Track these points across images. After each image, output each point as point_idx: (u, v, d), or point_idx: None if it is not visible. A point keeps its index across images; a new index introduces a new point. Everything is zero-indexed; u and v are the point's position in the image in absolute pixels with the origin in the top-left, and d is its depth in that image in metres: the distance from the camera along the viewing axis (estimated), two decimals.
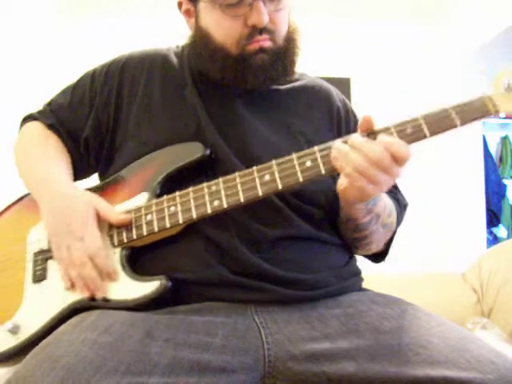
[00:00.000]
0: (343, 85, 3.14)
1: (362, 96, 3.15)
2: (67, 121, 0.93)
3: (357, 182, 0.67)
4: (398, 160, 0.66)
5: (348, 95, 3.20)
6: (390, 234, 0.89)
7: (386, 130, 0.70)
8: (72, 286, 0.75)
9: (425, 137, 0.70)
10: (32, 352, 0.62)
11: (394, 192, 0.93)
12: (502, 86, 0.71)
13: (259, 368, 0.67)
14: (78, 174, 0.94)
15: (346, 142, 0.70)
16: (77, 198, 0.79)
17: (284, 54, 0.84)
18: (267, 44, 0.81)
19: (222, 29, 0.81)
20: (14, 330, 0.76)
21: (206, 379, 0.62)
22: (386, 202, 0.83)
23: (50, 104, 0.97)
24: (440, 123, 0.69)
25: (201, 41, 0.85)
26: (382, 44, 3.29)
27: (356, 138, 0.68)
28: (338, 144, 0.69)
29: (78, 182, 0.97)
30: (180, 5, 0.89)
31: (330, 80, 1.01)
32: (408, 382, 0.62)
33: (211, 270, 0.74)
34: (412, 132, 0.69)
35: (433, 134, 0.69)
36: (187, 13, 0.88)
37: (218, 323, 0.70)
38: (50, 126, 0.92)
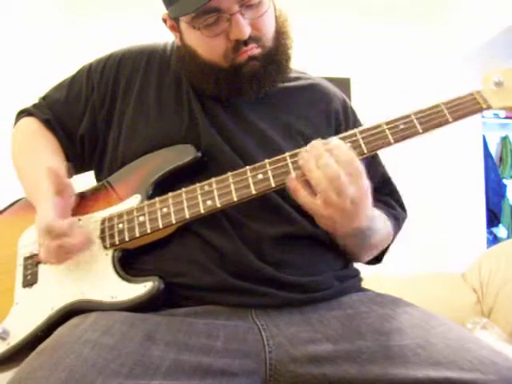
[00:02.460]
0: (343, 85, 3.14)
1: (362, 96, 3.14)
2: (64, 117, 0.92)
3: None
4: (341, 163, 0.66)
5: (348, 95, 3.20)
6: (384, 247, 0.90)
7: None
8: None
9: (417, 133, 0.70)
10: (32, 354, 0.62)
11: (395, 206, 0.93)
12: (491, 83, 0.73)
13: (261, 371, 0.67)
14: (74, 170, 0.94)
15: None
16: None
17: (276, 55, 0.82)
18: (256, 51, 0.79)
19: (207, 47, 0.80)
20: (4, 336, 0.75)
21: (207, 382, 0.62)
22: (381, 236, 0.83)
23: (44, 98, 0.95)
24: (432, 119, 0.71)
25: (189, 59, 0.84)
26: (382, 44, 3.29)
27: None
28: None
29: (78, 181, 0.97)
30: (165, 21, 0.87)
31: (329, 80, 1.01)
32: None
33: (211, 274, 0.73)
34: (404, 128, 0.70)
35: (425, 130, 0.70)
36: (172, 28, 0.87)
37: (219, 325, 0.70)
38: (46, 122, 0.91)
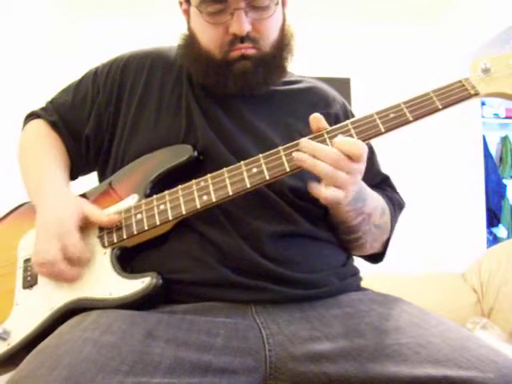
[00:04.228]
0: (343, 85, 3.14)
1: (361, 96, 3.15)
2: (70, 120, 0.93)
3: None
4: (353, 158, 0.69)
5: (348, 95, 3.20)
6: (385, 235, 0.89)
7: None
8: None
9: (408, 121, 0.72)
10: (32, 352, 0.62)
11: (390, 191, 0.94)
12: (479, 69, 0.74)
13: (261, 369, 0.67)
14: (78, 172, 0.96)
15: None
16: (65, 202, 0.79)
17: (270, 61, 0.84)
18: (250, 52, 0.81)
19: (206, 34, 0.82)
20: (4, 336, 0.76)
21: (207, 380, 0.62)
22: (377, 203, 0.84)
23: (52, 102, 0.97)
24: (422, 107, 0.72)
25: (189, 42, 0.87)
26: (381, 44, 3.29)
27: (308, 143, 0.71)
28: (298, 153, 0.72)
29: (80, 180, 0.98)
30: (180, 4, 0.90)
31: (330, 80, 1.02)
32: (408, 382, 0.62)
33: (211, 270, 0.73)
34: (395, 117, 0.72)
35: (416, 118, 0.72)
36: (185, 12, 0.89)
37: (219, 323, 0.70)
38: (53, 124, 0.93)
